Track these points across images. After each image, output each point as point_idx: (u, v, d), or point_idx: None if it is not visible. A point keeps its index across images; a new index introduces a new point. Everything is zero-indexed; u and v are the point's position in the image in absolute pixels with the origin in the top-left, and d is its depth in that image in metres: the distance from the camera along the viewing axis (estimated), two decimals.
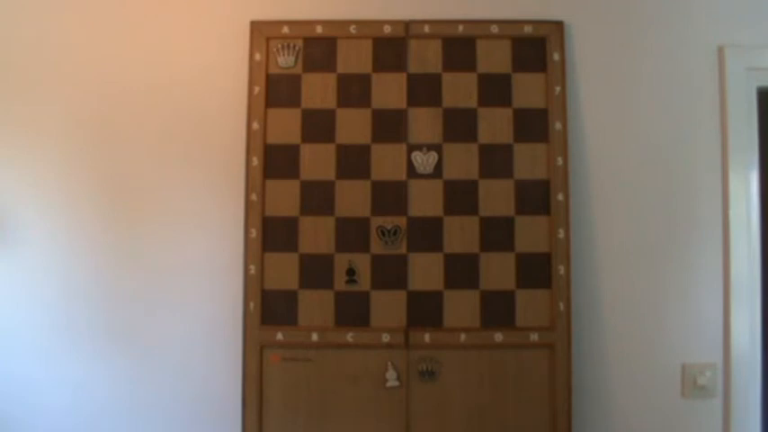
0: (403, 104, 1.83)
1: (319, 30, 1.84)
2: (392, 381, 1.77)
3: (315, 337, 1.77)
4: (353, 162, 1.81)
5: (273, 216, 1.80)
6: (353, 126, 1.82)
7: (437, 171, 1.81)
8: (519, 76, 1.84)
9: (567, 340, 1.77)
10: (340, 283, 1.79)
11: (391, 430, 1.76)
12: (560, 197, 1.80)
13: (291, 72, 1.84)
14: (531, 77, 1.84)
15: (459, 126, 1.82)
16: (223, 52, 1.87)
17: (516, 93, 1.83)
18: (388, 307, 1.79)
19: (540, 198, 1.81)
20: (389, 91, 1.83)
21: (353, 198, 1.81)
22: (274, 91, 1.83)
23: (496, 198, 1.81)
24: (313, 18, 1.85)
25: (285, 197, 1.81)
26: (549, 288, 1.79)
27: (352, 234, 1.80)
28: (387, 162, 1.82)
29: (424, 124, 1.82)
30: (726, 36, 1.88)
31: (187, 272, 1.85)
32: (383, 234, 1.80)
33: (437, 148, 1.82)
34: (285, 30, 1.84)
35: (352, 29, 1.84)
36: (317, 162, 1.82)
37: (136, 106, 1.87)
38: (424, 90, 1.83)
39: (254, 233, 1.79)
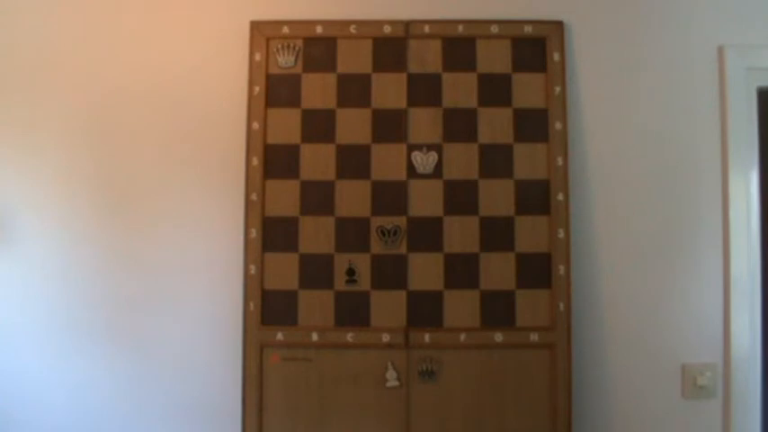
0: (403, 104, 1.83)
1: (319, 30, 1.84)
2: (392, 381, 1.77)
3: (315, 337, 1.77)
4: (353, 162, 1.81)
5: (273, 216, 1.80)
6: (353, 126, 1.82)
7: (437, 171, 1.81)
8: (519, 76, 1.84)
9: (567, 340, 1.77)
10: (340, 283, 1.79)
11: (391, 430, 1.76)
12: (560, 197, 1.80)
13: (291, 72, 1.84)
14: (531, 77, 1.83)
15: (460, 126, 1.82)
16: (223, 52, 1.87)
17: (516, 93, 1.83)
18: (388, 307, 1.79)
19: (540, 198, 1.81)
20: (389, 91, 1.83)
21: (353, 198, 1.81)
22: (274, 91, 1.83)
23: (496, 198, 1.81)
24: (313, 18, 1.85)
25: (285, 197, 1.81)
26: (549, 288, 1.79)
27: (352, 234, 1.80)
28: (387, 162, 1.82)
29: (424, 124, 1.82)
30: (726, 36, 1.88)
31: (187, 272, 1.85)
32: (383, 234, 1.80)
33: (437, 148, 1.82)
34: (285, 30, 1.84)
35: (352, 29, 1.84)
36: (317, 162, 1.82)
37: (136, 107, 1.87)
38: (424, 90, 1.83)
39: (254, 233, 1.79)
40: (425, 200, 1.81)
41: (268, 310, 1.79)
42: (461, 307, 1.78)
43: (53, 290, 1.85)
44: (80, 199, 1.86)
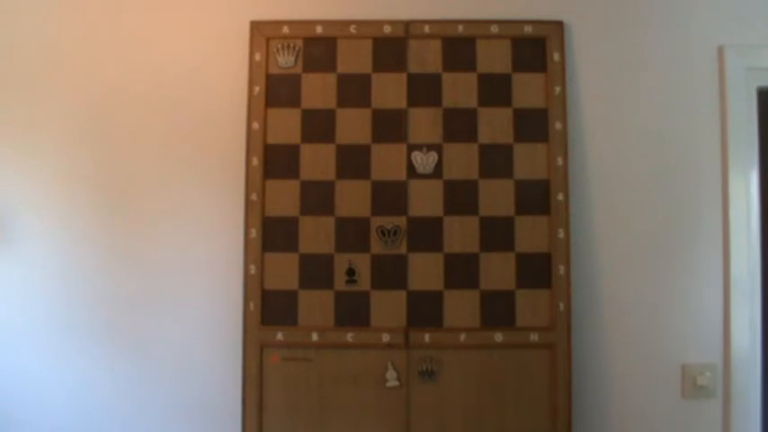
0: (403, 104, 1.83)
1: (319, 30, 1.84)
2: (392, 381, 1.77)
3: (315, 337, 1.77)
4: (353, 162, 1.81)
5: (273, 216, 1.80)
6: (353, 126, 1.82)
7: (437, 171, 1.81)
8: (519, 76, 1.84)
9: (567, 340, 1.77)
10: (340, 283, 1.79)
11: (391, 430, 1.76)
12: (560, 197, 1.80)
13: (291, 72, 1.84)
14: (531, 77, 1.83)
15: (460, 126, 1.82)
16: (223, 52, 1.87)
17: (516, 93, 1.83)
18: (388, 307, 1.79)
19: (540, 198, 1.81)
20: (389, 91, 1.83)
21: (353, 198, 1.81)
22: (274, 91, 1.83)
23: (496, 198, 1.81)
24: (313, 18, 1.85)
25: (285, 197, 1.81)
26: (549, 288, 1.78)
27: (352, 234, 1.80)
28: (387, 162, 1.81)
29: (424, 124, 1.82)
30: (726, 36, 1.88)
31: (187, 272, 1.85)
32: (383, 234, 1.80)
33: (437, 148, 1.82)
34: (285, 30, 1.84)
35: (353, 29, 1.84)
36: (317, 162, 1.82)
37: (136, 107, 1.87)
38: (424, 90, 1.83)
39: (254, 233, 1.79)
40: (425, 200, 1.81)
41: (268, 310, 1.79)
42: (461, 307, 1.78)
43: (53, 290, 1.85)
44: (80, 199, 1.86)
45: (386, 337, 1.77)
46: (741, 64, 1.86)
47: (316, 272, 1.79)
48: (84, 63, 1.87)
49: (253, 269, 1.79)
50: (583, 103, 1.87)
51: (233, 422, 1.77)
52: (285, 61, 1.84)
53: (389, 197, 1.81)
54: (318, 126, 1.82)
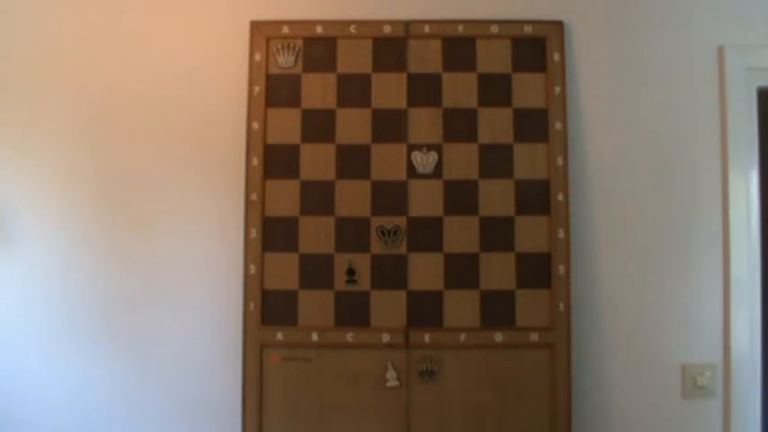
0: (403, 104, 1.83)
1: (319, 30, 1.84)
2: (392, 381, 1.77)
3: (315, 337, 1.78)
4: (353, 162, 1.81)
5: (273, 216, 1.80)
6: (353, 126, 1.82)
7: (437, 171, 1.81)
8: (519, 76, 1.84)
9: (567, 340, 1.77)
10: (340, 283, 1.79)
11: (391, 430, 1.76)
12: (560, 197, 1.80)
13: (291, 72, 1.84)
14: (531, 77, 1.83)
15: (460, 126, 1.82)
16: (223, 52, 1.87)
17: (516, 93, 1.83)
18: (388, 307, 1.79)
19: (540, 198, 1.81)
20: (389, 91, 1.83)
21: (353, 198, 1.81)
22: (274, 91, 1.83)
23: (496, 198, 1.81)
24: (313, 18, 1.85)
25: (285, 197, 1.81)
26: (549, 288, 1.79)
27: (352, 234, 1.80)
28: (387, 162, 1.82)
29: (424, 124, 1.82)
30: (726, 36, 1.88)
31: (187, 272, 1.85)
32: (383, 234, 1.80)
33: (437, 148, 1.82)
34: (285, 30, 1.84)
35: (353, 29, 1.84)
36: (317, 162, 1.82)
37: (136, 107, 1.87)
38: (424, 90, 1.83)
39: (254, 233, 1.79)
40: (425, 200, 1.81)
41: (268, 310, 1.79)
42: (461, 307, 1.78)
43: (53, 290, 1.85)
44: (80, 199, 1.86)
45: (386, 337, 1.77)
46: (741, 64, 1.86)
47: (316, 272, 1.79)
48: (84, 63, 1.87)
49: (253, 269, 1.79)
50: (583, 103, 1.87)
51: (233, 422, 1.77)
52: (285, 61, 1.84)
53: (389, 197, 1.81)
54: (318, 126, 1.82)
